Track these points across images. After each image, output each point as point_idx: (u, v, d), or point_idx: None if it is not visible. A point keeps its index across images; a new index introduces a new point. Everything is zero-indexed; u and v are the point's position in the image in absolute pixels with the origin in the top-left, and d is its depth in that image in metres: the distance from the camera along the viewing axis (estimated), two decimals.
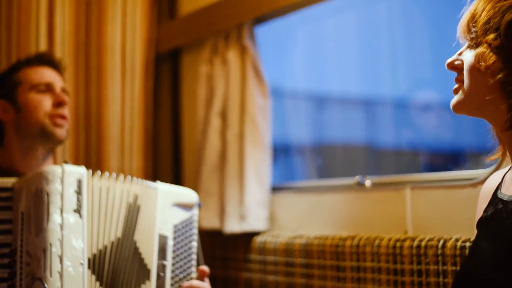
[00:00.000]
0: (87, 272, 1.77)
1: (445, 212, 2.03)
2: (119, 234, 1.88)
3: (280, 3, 2.50)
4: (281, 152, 3.71)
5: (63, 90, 2.22)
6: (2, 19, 2.67)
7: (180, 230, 2.00)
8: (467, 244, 1.84)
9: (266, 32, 2.80)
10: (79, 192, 1.81)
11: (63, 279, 1.71)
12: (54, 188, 1.78)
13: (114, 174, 1.92)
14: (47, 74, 2.20)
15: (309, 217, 2.49)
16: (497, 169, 1.81)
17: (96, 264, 1.82)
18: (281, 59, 3.80)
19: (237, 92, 2.64)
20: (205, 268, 2.02)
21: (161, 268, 1.93)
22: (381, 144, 4.25)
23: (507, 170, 1.50)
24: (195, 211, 2.05)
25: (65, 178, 1.80)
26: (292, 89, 3.85)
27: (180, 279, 1.97)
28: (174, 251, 1.96)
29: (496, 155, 1.51)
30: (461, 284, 1.41)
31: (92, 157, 2.84)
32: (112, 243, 1.86)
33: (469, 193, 1.95)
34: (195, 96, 2.88)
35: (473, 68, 1.40)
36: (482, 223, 1.46)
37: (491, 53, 1.37)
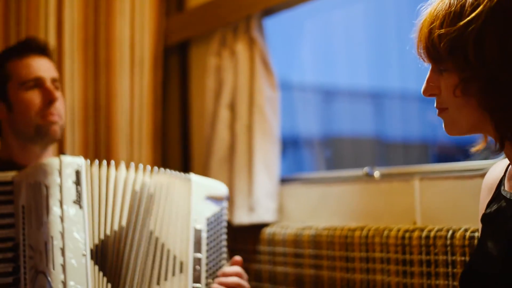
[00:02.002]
0: (90, 263, 1.77)
1: (454, 203, 2.03)
2: (123, 223, 1.87)
3: None
4: (290, 144, 3.72)
5: (54, 81, 2.16)
6: (11, 13, 2.68)
7: (212, 223, 1.98)
8: (476, 234, 1.84)
9: (274, 25, 2.80)
10: (78, 183, 1.81)
11: (66, 271, 1.71)
12: (53, 180, 1.78)
13: (112, 162, 1.92)
14: (35, 67, 2.13)
15: (318, 208, 2.50)
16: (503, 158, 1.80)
17: (98, 255, 1.81)
18: (289, 52, 3.80)
19: (246, 84, 2.65)
20: (238, 258, 2.01)
21: (197, 261, 1.91)
22: (390, 137, 4.25)
23: (508, 163, 1.47)
24: (225, 204, 2.04)
25: (63, 169, 1.80)
26: (300, 81, 3.86)
27: (213, 272, 1.96)
28: (207, 244, 1.95)
29: (480, 146, 1.48)
30: (468, 279, 1.41)
31: (101, 150, 2.85)
32: (115, 232, 1.85)
33: (478, 184, 1.93)
34: (204, 88, 2.88)
35: (454, 99, 1.35)
36: (486, 219, 1.44)
37: (465, 84, 1.32)
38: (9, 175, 1.85)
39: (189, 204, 1.95)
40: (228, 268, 1.98)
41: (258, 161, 2.58)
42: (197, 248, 1.92)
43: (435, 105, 1.41)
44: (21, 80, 2.11)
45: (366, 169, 2.33)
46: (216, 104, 2.76)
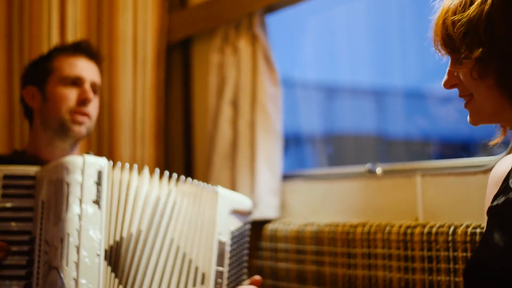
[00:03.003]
0: (103, 263, 1.77)
1: (456, 199, 2.04)
2: (142, 228, 1.85)
3: None
4: (292, 141, 3.72)
5: (93, 85, 2.22)
6: (14, 9, 2.69)
7: (236, 237, 1.98)
8: (478, 230, 1.84)
9: (276, 22, 2.80)
10: (99, 183, 1.82)
11: (79, 269, 1.72)
12: (74, 178, 1.79)
13: (135, 166, 1.92)
14: (79, 66, 2.20)
15: (320, 204, 2.50)
16: (508, 154, 1.81)
17: (112, 256, 1.81)
18: (291, 49, 3.80)
19: (248, 81, 2.65)
20: (258, 277, 2.00)
21: (219, 274, 1.91)
22: (392, 134, 4.25)
23: None
24: (249, 219, 2.05)
25: (85, 169, 1.81)
26: (302, 78, 3.86)
27: (233, 287, 1.96)
28: (230, 258, 1.95)
29: (497, 140, 1.51)
30: (472, 272, 1.42)
31: (104, 146, 2.85)
32: (132, 236, 1.84)
33: (479, 180, 1.95)
34: (206, 85, 2.89)
35: (473, 82, 1.39)
36: (493, 212, 1.45)
37: (481, 65, 1.36)
38: (32, 169, 1.88)
39: (214, 216, 1.94)
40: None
41: (261, 157, 2.58)
42: (220, 261, 1.91)
43: (458, 94, 1.46)
44: (62, 76, 2.18)
45: (368, 166, 2.34)
46: (219, 101, 2.76)
